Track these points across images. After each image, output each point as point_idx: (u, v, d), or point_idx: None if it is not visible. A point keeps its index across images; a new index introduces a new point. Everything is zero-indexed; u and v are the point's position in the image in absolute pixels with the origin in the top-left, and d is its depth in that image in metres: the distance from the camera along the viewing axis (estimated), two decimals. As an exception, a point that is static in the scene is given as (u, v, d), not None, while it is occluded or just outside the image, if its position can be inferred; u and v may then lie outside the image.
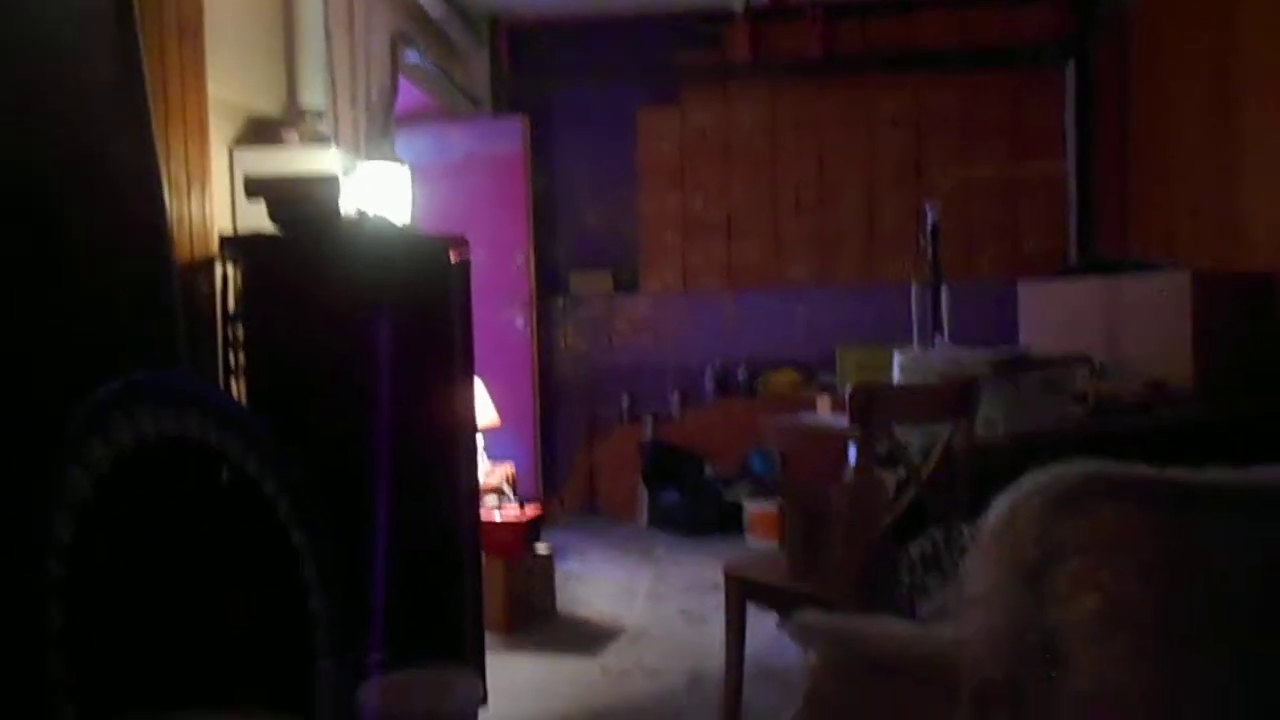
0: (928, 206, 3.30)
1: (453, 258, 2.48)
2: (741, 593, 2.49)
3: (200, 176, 2.44)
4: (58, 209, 1.84)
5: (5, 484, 1.44)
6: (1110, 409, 2.83)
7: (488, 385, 4.05)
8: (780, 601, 2.42)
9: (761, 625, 3.05)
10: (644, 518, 5.15)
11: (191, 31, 2.38)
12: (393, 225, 2.63)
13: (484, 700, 2.43)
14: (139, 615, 1.61)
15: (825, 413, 3.09)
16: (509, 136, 5.05)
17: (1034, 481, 1.25)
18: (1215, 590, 1.17)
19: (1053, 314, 3.67)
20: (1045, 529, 1.20)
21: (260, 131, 2.95)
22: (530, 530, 3.54)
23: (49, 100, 1.85)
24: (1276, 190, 3.44)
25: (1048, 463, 1.28)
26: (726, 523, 4.75)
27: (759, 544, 4.45)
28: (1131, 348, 3.31)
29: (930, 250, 3.25)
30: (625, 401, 5.30)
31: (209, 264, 2.48)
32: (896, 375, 2.75)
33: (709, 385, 5.18)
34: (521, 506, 3.60)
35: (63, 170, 1.87)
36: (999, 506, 1.28)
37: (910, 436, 2.51)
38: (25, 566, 1.36)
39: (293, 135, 2.94)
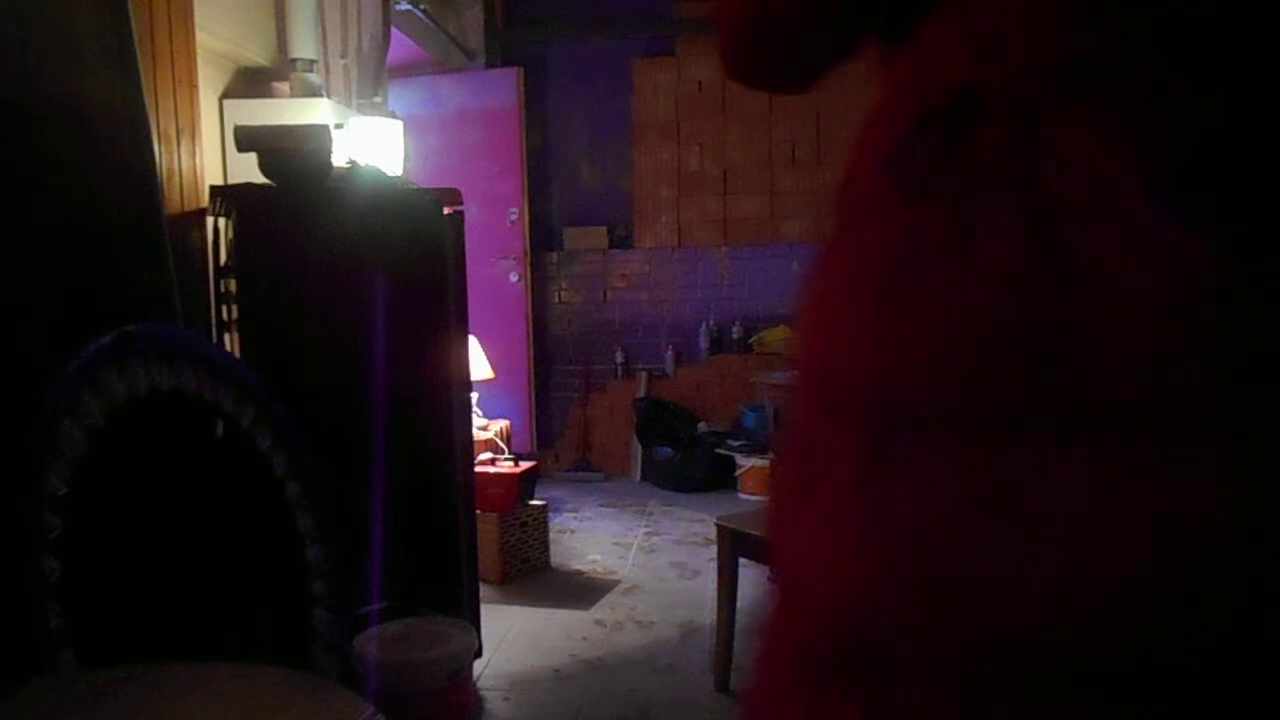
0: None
1: (446, 212, 2.46)
2: (734, 546, 2.51)
3: (190, 127, 2.41)
4: (44, 160, 1.82)
5: (1, 438, 1.44)
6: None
7: (482, 341, 4.05)
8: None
9: (753, 578, 3.09)
10: (638, 473, 5.18)
11: (179, -21, 2.34)
12: (386, 177, 2.61)
13: (479, 652, 2.46)
14: (136, 567, 1.62)
15: (819, 369, 3.09)
16: (503, 89, 4.99)
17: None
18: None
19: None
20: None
21: (251, 82, 2.92)
22: (524, 485, 3.56)
23: (34, 50, 1.82)
24: None
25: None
26: (719, 478, 4.79)
27: (752, 499, 4.49)
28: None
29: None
30: (620, 357, 5.30)
31: (200, 216, 2.46)
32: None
33: (703, 341, 5.18)
34: (516, 461, 3.62)
35: (49, 121, 1.85)
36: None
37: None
38: (22, 518, 1.37)
39: (283, 86, 2.91)
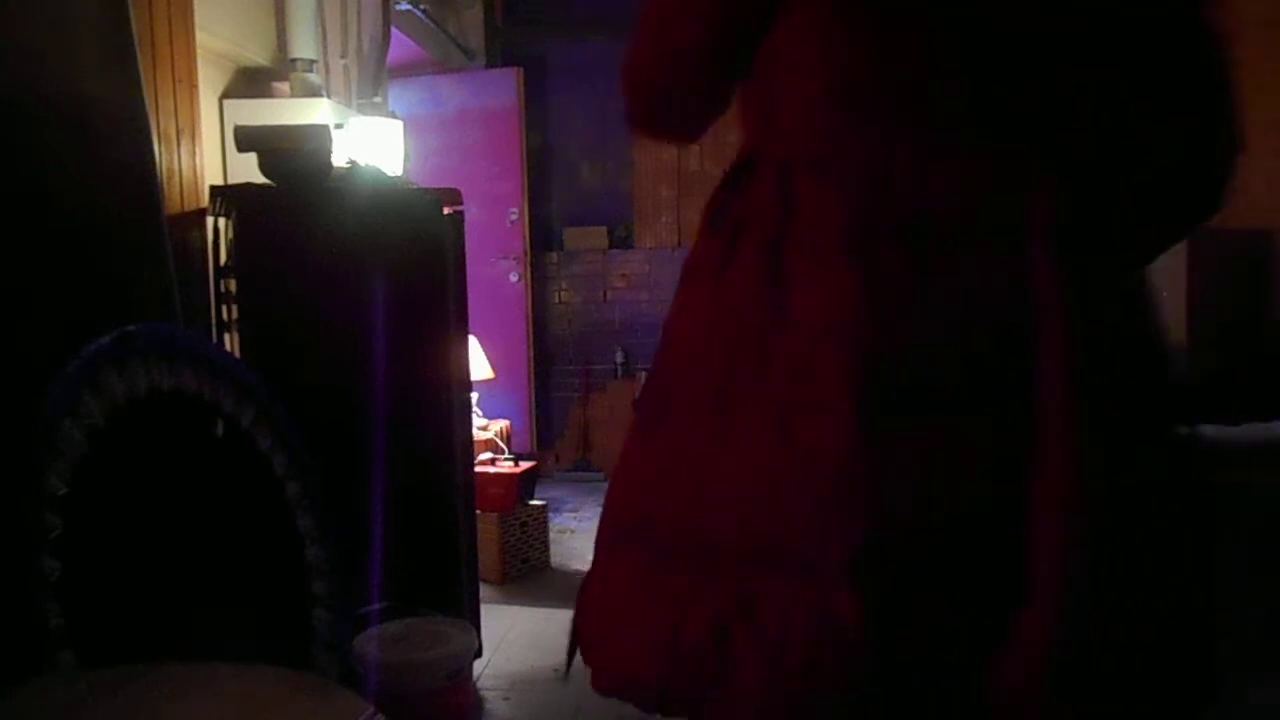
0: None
1: (446, 212, 2.46)
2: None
3: (190, 127, 2.41)
4: (44, 160, 1.82)
5: (1, 438, 1.44)
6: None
7: (482, 341, 4.05)
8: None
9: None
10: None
11: (179, -22, 2.34)
12: (386, 177, 2.61)
13: (479, 652, 2.46)
14: (136, 567, 1.62)
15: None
16: (503, 90, 4.99)
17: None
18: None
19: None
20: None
21: (251, 82, 2.92)
22: (524, 485, 3.56)
23: (34, 50, 1.82)
24: (1274, 147, 3.43)
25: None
26: None
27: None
28: (1125, 306, 3.32)
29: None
30: (619, 357, 5.30)
31: (200, 216, 2.46)
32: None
33: (703, 342, 5.18)
34: (516, 461, 3.62)
35: (49, 121, 1.85)
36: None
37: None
38: (22, 518, 1.37)
39: (283, 86, 2.91)
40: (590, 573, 1.02)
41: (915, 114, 0.83)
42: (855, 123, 0.84)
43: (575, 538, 4.07)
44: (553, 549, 3.72)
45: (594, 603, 0.99)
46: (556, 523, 4.20)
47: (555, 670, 2.72)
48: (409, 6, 4.35)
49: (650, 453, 0.95)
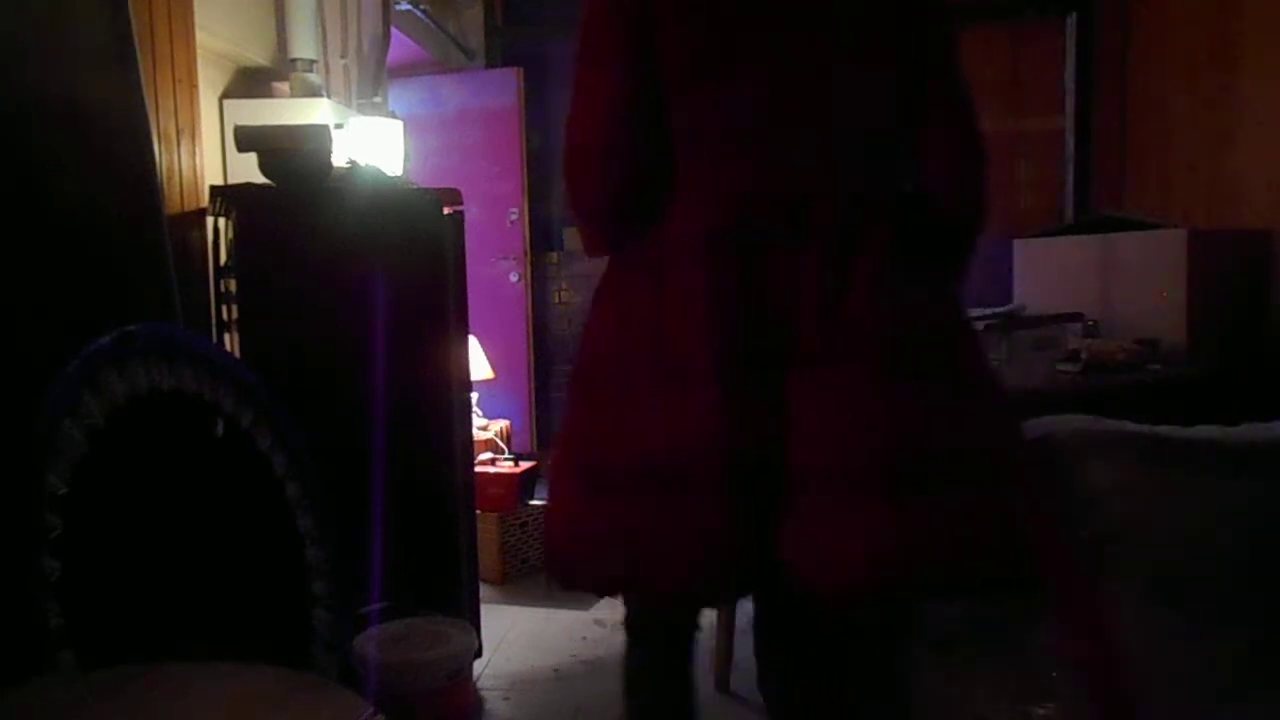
0: (924, 163, 3.28)
1: (446, 212, 2.46)
2: (734, 547, 2.51)
3: (190, 127, 2.41)
4: (44, 160, 1.82)
5: (1, 438, 1.44)
6: (1102, 367, 2.84)
7: (482, 341, 4.05)
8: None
9: (753, 579, 3.09)
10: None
11: (179, -22, 2.34)
12: (386, 177, 2.61)
13: (479, 652, 2.46)
14: (136, 567, 1.62)
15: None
16: (503, 90, 4.99)
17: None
18: (1202, 544, 1.18)
19: (1047, 271, 3.67)
20: (1035, 484, 1.21)
21: (251, 82, 2.92)
22: (524, 485, 3.56)
23: (34, 50, 1.82)
24: (1275, 147, 3.42)
25: (1039, 419, 1.28)
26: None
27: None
28: (1126, 305, 3.31)
29: (926, 207, 3.24)
30: (619, 358, 5.29)
31: (200, 216, 2.46)
32: (890, 332, 2.75)
33: (703, 342, 5.17)
34: (516, 461, 3.62)
35: (49, 121, 1.85)
36: (989, 462, 1.29)
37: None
38: (22, 518, 1.37)
39: (283, 86, 2.91)
40: (548, 505, 1.35)
41: (740, 151, 1.22)
42: (701, 163, 1.24)
43: (575, 538, 4.07)
44: (553, 549, 3.72)
45: (553, 525, 1.33)
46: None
47: (555, 670, 2.72)
48: (409, 6, 4.35)
49: (581, 416, 1.31)
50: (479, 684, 2.59)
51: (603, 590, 1.37)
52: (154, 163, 2.12)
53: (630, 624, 1.47)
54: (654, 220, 1.26)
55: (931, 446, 1.16)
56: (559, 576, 1.31)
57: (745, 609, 2.61)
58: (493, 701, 2.52)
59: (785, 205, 1.18)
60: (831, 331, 1.16)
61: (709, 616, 2.71)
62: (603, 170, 1.26)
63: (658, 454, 1.18)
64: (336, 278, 2.28)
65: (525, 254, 5.05)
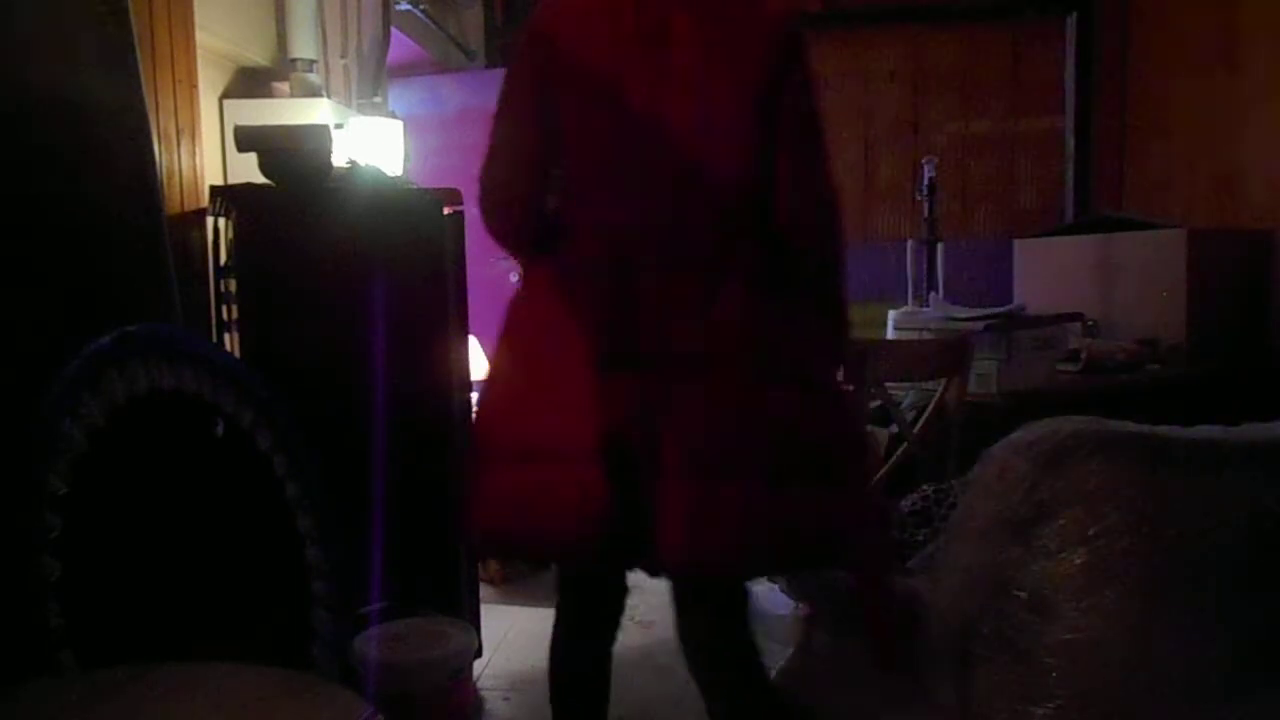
0: (924, 162, 3.29)
1: (446, 212, 2.46)
2: (734, 547, 2.51)
3: (190, 127, 2.41)
4: (44, 160, 1.82)
5: (1, 438, 1.44)
6: (1102, 367, 2.85)
7: (482, 341, 4.04)
8: (772, 555, 2.44)
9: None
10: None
11: (179, -22, 2.34)
12: (386, 177, 2.61)
13: (479, 652, 2.46)
14: (136, 567, 1.62)
15: (819, 369, 3.09)
16: (503, 89, 4.98)
17: (1025, 438, 1.26)
18: (1203, 544, 1.18)
19: (1048, 271, 3.67)
20: (1035, 484, 1.21)
21: (251, 82, 2.92)
22: (524, 485, 3.56)
23: (34, 50, 1.82)
24: (1275, 146, 3.43)
25: (1039, 419, 1.29)
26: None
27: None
28: (1126, 305, 3.32)
29: (926, 207, 3.24)
30: (619, 357, 5.30)
31: (200, 216, 2.46)
32: (890, 332, 2.75)
33: (703, 342, 5.18)
34: (516, 461, 3.61)
35: (50, 122, 1.85)
36: (989, 462, 1.29)
37: (903, 393, 2.52)
38: (22, 518, 1.37)
39: (283, 86, 2.91)
40: (465, 479, 1.55)
41: (618, 198, 1.47)
42: (587, 206, 1.52)
43: (575, 538, 4.06)
44: (553, 549, 3.72)
45: (470, 495, 1.53)
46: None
47: (555, 670, 2.71)
48: (409, 6, 4.35)
49: (490, 401, 1.55)
50: (479, 684, 2.59)
51: (495, 553, 2.01)
52: (154, 163, 2.12)
53: (558, 589, 1.71)
54: (551, 243, 1.54)
55: (775, 444, 1.38)
56: (475, 542, 1.75)
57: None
58: (493, 701, 2.52)
59: (656, 240, 1.43)
60: (698, 343, 1.40)
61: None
62: (507, 213, 1.59)
63: (542, 436, 1.43)
64: (336, 278, 2.28)
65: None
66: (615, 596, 1.65)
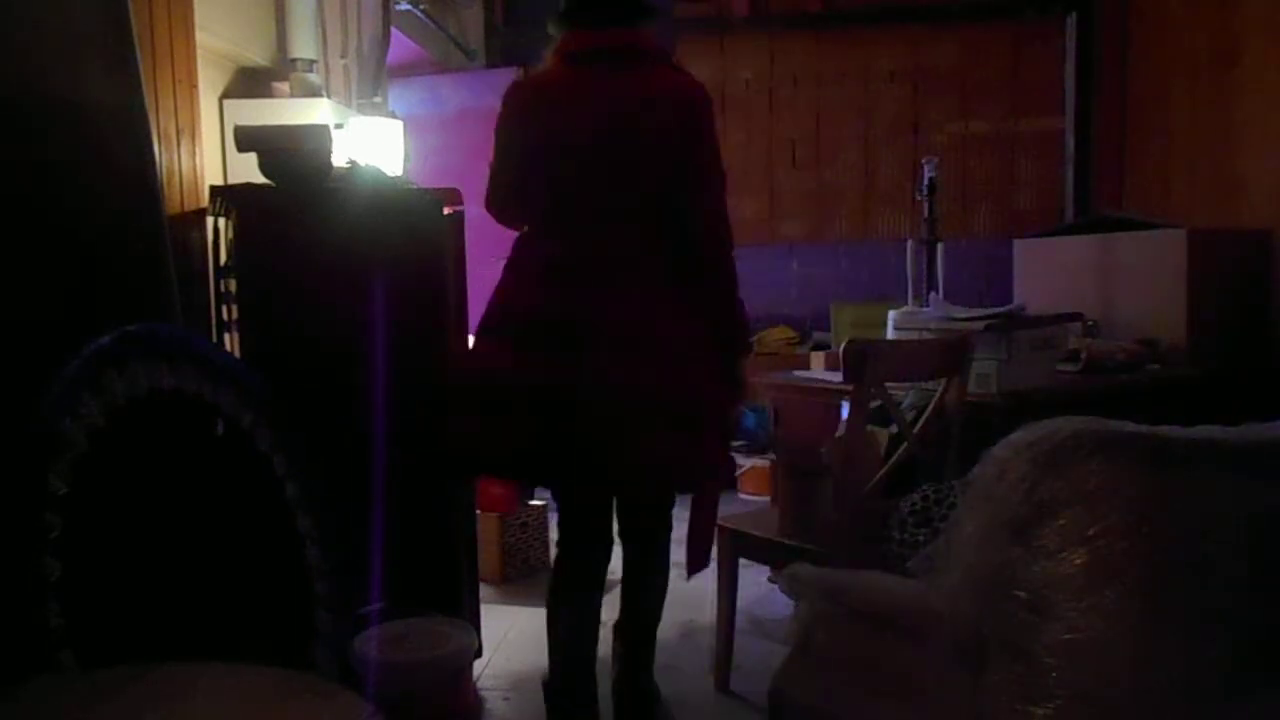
0: (924, 163, 3.29)
1: (446, 212, 2.46)
2: (733, 546, 2.51)
3: (190, 127, 2.42)
4: (44, 160, 1.82)
5: (1, 438, 1.44)
6: (1102, 367, 2.85)
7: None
8: (772, 555, 2.44)
9: (753, 579, 3.08)
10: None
11: (179, -22, 2.34)
12: (386, 177, 2.61)
13: (479, 652, 2.46)
14: (136, 567, 1.62)
15: (818, 370, 3.10)
16: (503, 90, 4.98)
17: (1024, 438, 1.26)
18: (1203, 546, 1.18)
19: (1048, 271, 3.67)
20: (1035, 485, 1.21)
21: (251, 82, 2.92)
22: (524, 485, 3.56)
23: (34, 50, 1.82)
24: (1275, 146, 3.43)
25: (1039, 419, 1.28)
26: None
27: (751, 499, 4.49)
28: (1126, 306, 3.32)
29: (926, 207, 3.24)
30: (619, 357, 5.30)
31: (200, 216, 2.46)
32: (890, 332, 2.75)
33: (703, 342, 5.19)
34: (516, 461, 3.61)
35: (49, 121, 1.85)
36: (989, 462, 1.29)
37: (903, 393, 2.52)
38: (22, 518, 1.37)
39: (283, 86, 2.91)
40: (448, 422, 2.04)
41: (569, 219, 2.04)
42: (549, 222, 2.08)
43: (575, 538, 4.06)
44: (552, 549, 3.71)
45: (450, 429, 2.04)
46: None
47: (555, 670, 2.72)
48: (409, 6, 4.36)
49: (467, 359, 2.16)
50: (479, 684, 2.59)
51: (467, 472, 2.49)
52: (154, 163, 2.12)
53: (559, 525, 2.25)
54: (520, 251, 2.10)
55: (659, 403, 1.92)
56: (448, 467, 2.30)
57: (744, 611, 2.61)
58: (493, 701, 2.52)
59: (588, 252, 1.99)
60: (616, 329, 1.93)
61: (709, 610, 2.71)
62: (501, 217, 2.23)
63: (491, 386, 1.99)
64: (336, 278, 2.28)
65: (525, 254, 5.04)
66: (601, 525, 2.22)
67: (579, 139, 2.00)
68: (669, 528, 2.23)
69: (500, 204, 2.18)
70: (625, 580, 2.28)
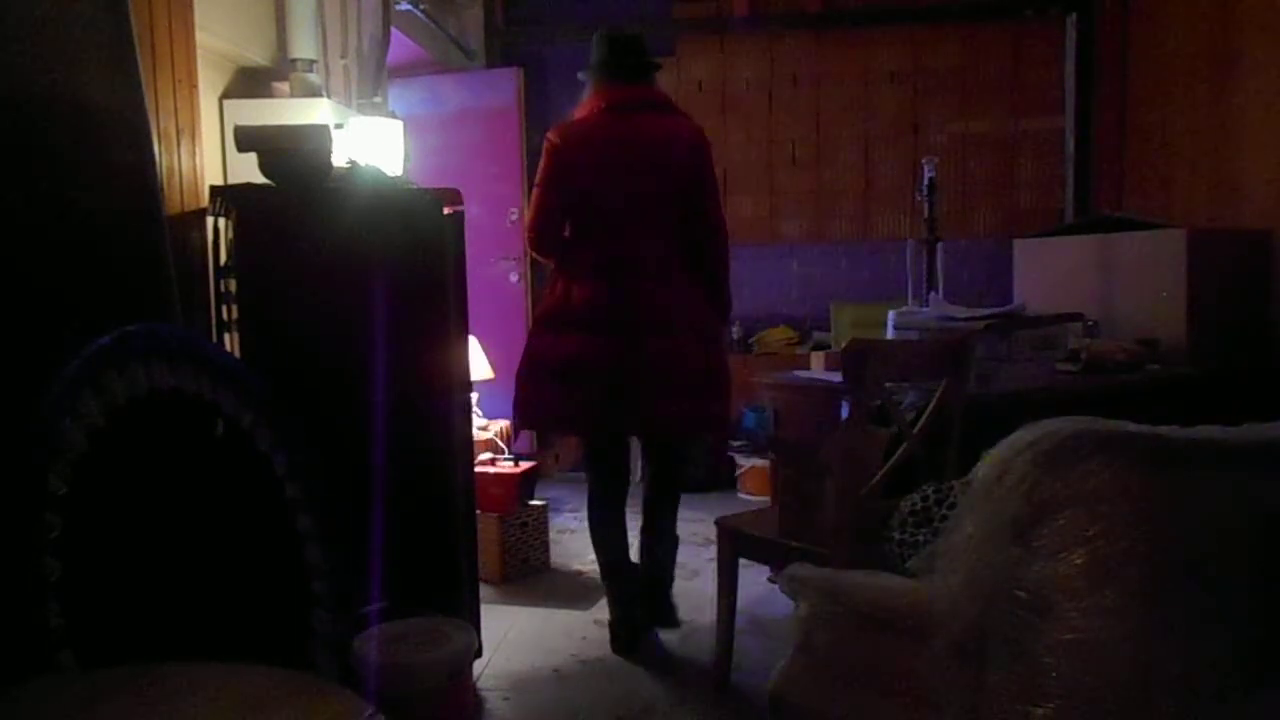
0: (924, 163, 3.29)
1: (446, 212, 2.46)
2: (734, 546, 2.51)
3: (190, 127, 2.42)
4: (44, 160, 1.82)
5: (1, 438, 1.44)
6: (1102, 367, 2.85)
7: (482, 341, 4.05)
8: (772, 555, 2.44)
9: (753, 579, 3.08)
10: (638, 473, 5.17)
11: (179, -22, 2.34)
12: (386, 177, 2.61)
13: (479, 652, 2.46)
14: (136, 567, 1.62)
15: (819, 370, 3.10)
16: (503, 89, 4.99)
17: (1024, 438, 1.26)
18: (1203, 546, 1.18)
19: (1048, 271, 3.67)
20: (1034, 485, 1.21)
21: (251, 82, 2.92)
22: (524, 485, 3.56)
23: (34, 50, 1.81)
24: (1275, 146, 3.43)
25: (1039, 419, 1.28)
26: (719, 478, 4.78)
27: (751, 499, 4.49)
28: (1126, 305, 3.32)
29: (926, 207, 3.24)
30: (619, 357, 5.30)
31: (200, 216, 2.46)
32: (890, 332, 2.75)
33: (703, 342, 5.20)
34: (516, 462, 3.62)
35: (50, 121, 1.85)
36: (989, 462, 1.29)
37: (903, 393, 2.52)
38: (22, 518, 1.37)
39: (283, 86, 2.91)
40: (516, 391, 2.75)
41: (606, 234, 2.67)
42: (590, 236, 2.71)
43: (575, 538, 4.07)
44: (553, 549, 3.72)
45: (516, 399, 2.75)
46: (556, 523, 4.20)
47: (555, 670, 2.72)
48: (409, 6, 4.35)
49: (536, 344, 2.72)
50: (479, 684, 2.59)
51: (533, 426, 3.18)
52: (154, 163, 2.12)
53: (587, 463, 2.93)
54: (567, 257, 2.73)
55: (700, 368, 2.66)
56: (519, 425, 2.88)
57: (744, 611, 2.61)
58: (493, 701, 2.52)
59: (633, 255, 2.64)
60: (654, 315, 2.61)
61: (710, 610, 2.72)
62: (541, 242, 2.78)
63: (562, 364, 2.64)
64: (336, 278, 2.28)
65: (525, 254, 5.04)
66: (618, 459, 2.94)
67: (619, 168, 2.64)
68: (680, 473, 3.04)
69: (541, 228, 2.72)
70: (646, 513, 2.96)
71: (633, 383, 2.57)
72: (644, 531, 2.94)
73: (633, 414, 2.61)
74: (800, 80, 5.20)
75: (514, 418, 2.81)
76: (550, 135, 2.69)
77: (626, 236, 2.63)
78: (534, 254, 2.86)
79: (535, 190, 2.71)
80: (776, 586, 2.97)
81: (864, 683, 1.55)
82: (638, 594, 2.86)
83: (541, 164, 2.69)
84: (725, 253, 2.77)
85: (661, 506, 2.91)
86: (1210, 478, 1.21)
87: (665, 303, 2.61)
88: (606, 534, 2.85)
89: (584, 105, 2.76)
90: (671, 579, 2.95)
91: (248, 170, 2.40)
